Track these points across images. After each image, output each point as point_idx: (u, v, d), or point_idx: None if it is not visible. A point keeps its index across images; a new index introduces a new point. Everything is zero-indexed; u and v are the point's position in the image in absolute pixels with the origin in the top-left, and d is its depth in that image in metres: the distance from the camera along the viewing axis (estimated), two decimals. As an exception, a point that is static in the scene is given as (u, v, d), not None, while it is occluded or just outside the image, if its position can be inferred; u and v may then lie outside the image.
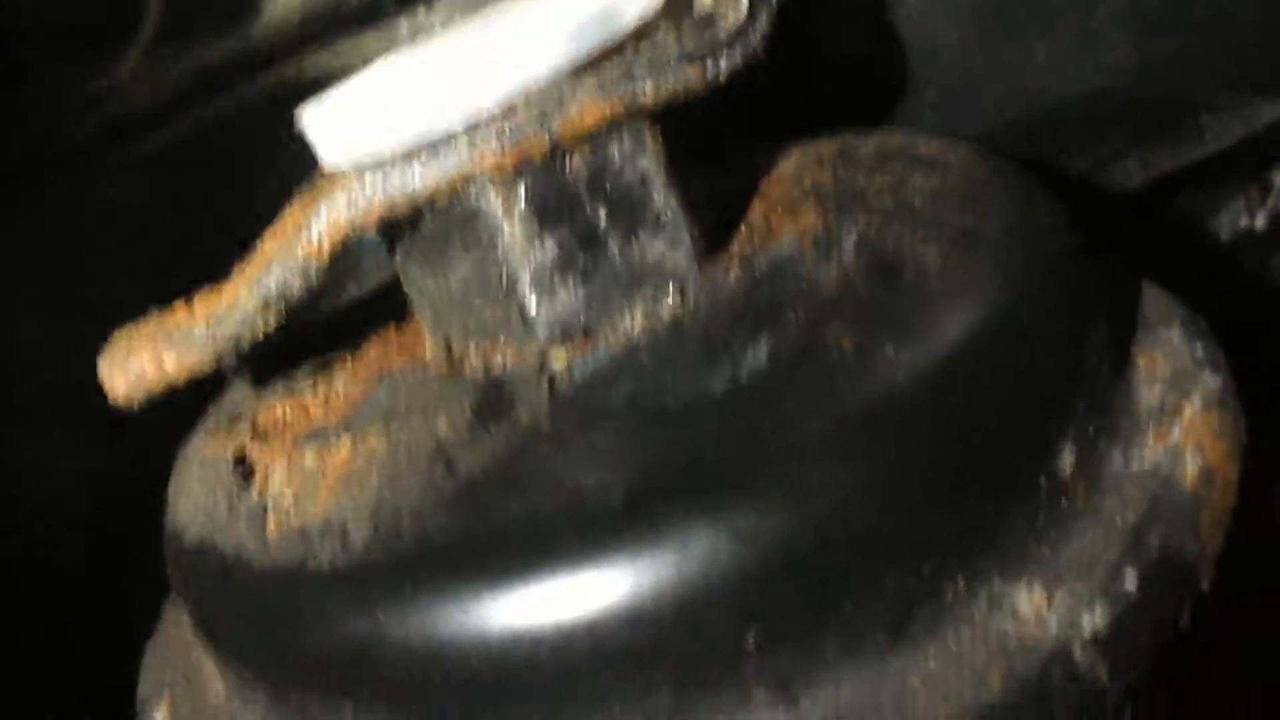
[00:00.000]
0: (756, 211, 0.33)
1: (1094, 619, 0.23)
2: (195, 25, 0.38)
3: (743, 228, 0.32)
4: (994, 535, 0.24)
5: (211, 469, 0.31)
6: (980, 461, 0.24)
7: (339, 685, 0.25)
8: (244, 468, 0.30)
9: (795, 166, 0.35)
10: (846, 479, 0.23)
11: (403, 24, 0.43)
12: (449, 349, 0.31)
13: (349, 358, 0.34)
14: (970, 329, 0.25)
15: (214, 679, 0.31)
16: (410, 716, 0.25)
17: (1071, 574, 0.24)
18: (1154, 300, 0.32)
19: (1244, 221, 0.47)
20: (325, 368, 0.34)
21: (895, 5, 0.38)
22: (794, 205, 0.32)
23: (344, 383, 0.33)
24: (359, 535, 0.26)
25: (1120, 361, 0.29)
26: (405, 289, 0.32)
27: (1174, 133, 0.41)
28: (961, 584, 0.24)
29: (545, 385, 0.27)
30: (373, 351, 0.34)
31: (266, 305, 0.29)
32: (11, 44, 0.35)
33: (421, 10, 0.43)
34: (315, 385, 0.33)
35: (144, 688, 0.33)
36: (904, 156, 0.33)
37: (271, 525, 0.27)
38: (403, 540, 0.25)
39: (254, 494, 0.29)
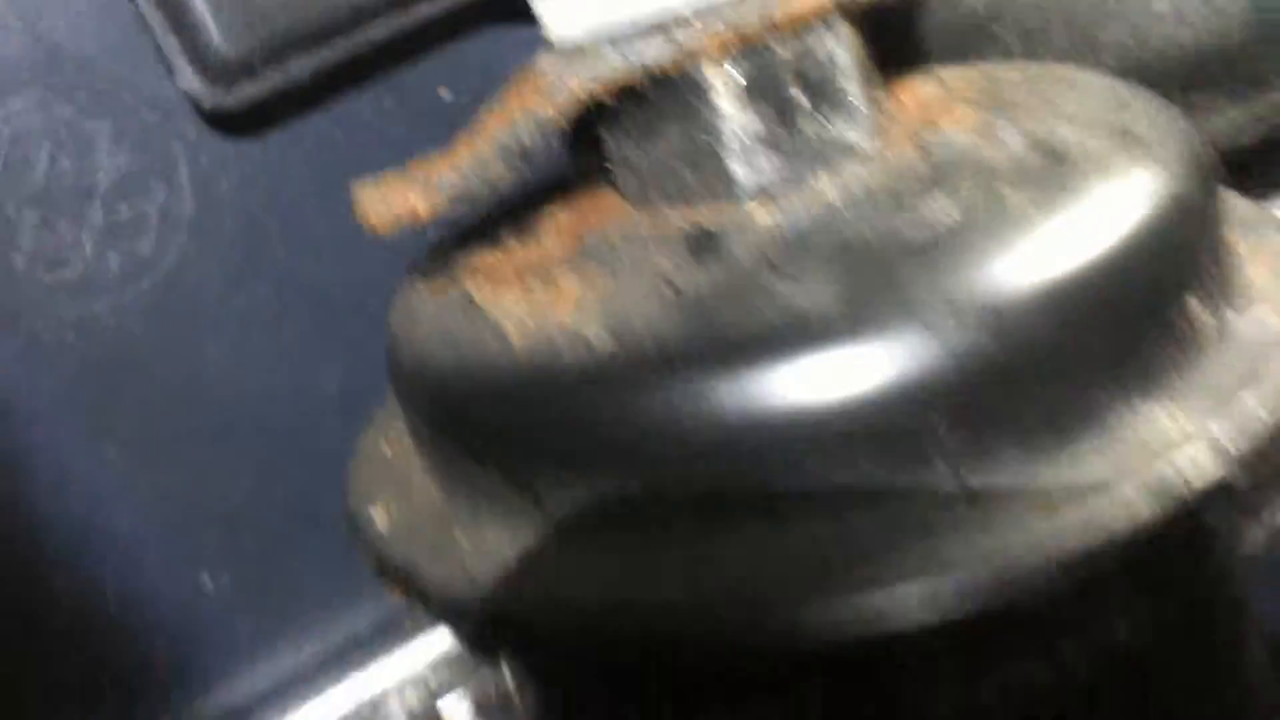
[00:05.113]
0: (911, 110, 0.37)
1: (1222, 428, 0.28)
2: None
3: (903, 121, 0.36)
4: (1139, 360, 0.29)
5: (441, 301, 0.36)
6: (1135, 300, 0.29)
7: (588, 467, 0.30)
8: (476, 298, 0.35)
9: (938, 84, 0.40)
10: (1033, 304, 0.28)
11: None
12: (648, 211, 0.36)
13: (545, 218, 0.39)
14: (1133, 199, 0.30)
15: (429, 487, 0.36)
16: (652, 488, 0.29)
17: (1200, 396, 0.29)
18: (1249, 207, 0.38)
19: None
20: (523, 227, 0.39)
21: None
22: (948, 107, 0.37)
23: (549, 237, 0.37)
24: (600, 340, 0.30)
25: (1232, 240, 0.34)
26: (606, 156, 0.37)
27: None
28: (1113, 398, 0.29)
29: (755, 232, 0.32)
30: (566, 215, 0.39)
31: (506, 157, 0.34)
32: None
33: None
34: (521, 239, 0.38)
35: (354, 496, 0.38)
36: (1049, 79, 0.38)
37: (514, 335, 0.32)
38: (640, 342, 0.30)
39: (491, 314, 0.34)
